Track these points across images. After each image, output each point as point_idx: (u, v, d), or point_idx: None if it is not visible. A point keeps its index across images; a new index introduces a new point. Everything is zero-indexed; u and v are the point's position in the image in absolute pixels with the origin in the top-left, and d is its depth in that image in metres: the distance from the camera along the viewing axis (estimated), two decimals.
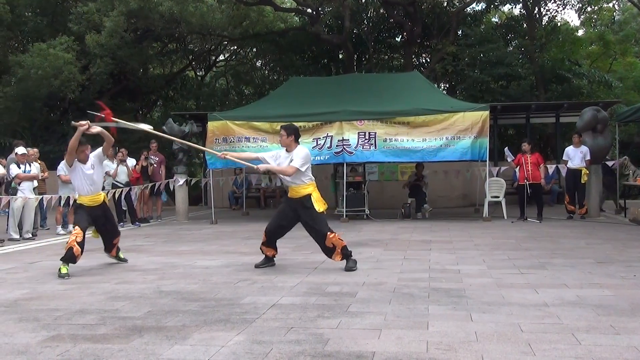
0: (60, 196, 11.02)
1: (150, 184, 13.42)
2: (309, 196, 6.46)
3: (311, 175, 6.61)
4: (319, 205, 6.46)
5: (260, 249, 6.86)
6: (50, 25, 21.54)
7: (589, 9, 25.02)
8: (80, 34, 18.79)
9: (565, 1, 23.22)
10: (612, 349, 3.53)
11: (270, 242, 6.78)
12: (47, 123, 22.26)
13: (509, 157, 12.37)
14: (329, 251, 6.51)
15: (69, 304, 5.03)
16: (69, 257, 6.46)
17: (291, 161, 6.44)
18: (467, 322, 4.20)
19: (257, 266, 6.78)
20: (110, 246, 7.26)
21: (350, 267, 6.44)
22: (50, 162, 14.10)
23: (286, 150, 6.62)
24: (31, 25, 21.65)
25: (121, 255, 7.41)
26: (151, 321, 4.39)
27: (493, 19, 25.86)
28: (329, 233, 6.43)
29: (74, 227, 6.79)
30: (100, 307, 4.87)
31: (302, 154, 6.52)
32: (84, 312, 4.71)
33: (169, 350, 3.68)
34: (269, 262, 6.84)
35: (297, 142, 6.62)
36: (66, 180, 11.39)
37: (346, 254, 6.49)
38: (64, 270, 6.40)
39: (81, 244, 6.57)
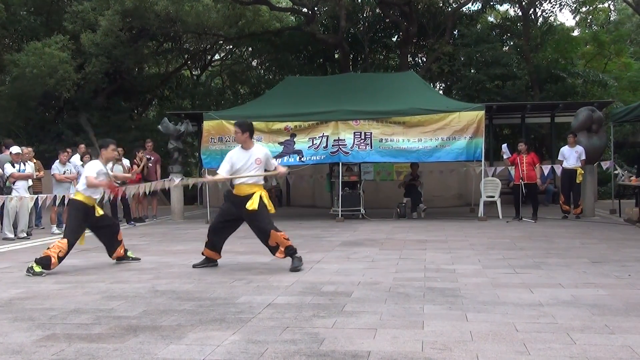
0: (55, 195, 10.99)
1: (145, 184, 13.36)
2: (253, 194, 6.36)
3: None
4: (256, 202, 6.33)
5: (203, 253, 6.81)
6: (45, 24, 21.47)
7: (583, 9, 25.07)
8: (76, 32, 18.73)
9: (560, 2, 23.27)
10: (606, 349, 3.54)
11: (213, 244, 6.71)
12: (42, 122, 22.22)
13: (506, 154, 12.39)
14: (272, 249, 6.46)
15: (63, 303, 5.02)
16: (44, 264, 6.45)
17: (256, 162, 6.39)
18: (462, 321, 4.20)
19: (195, 266, 6.76)
20: (115, 244, 7.14)
21: (296, 266, 6.38)
22: (45, 161, 14.06)
23: (242, 147, 6.55)
24: (26, 23, 21.58)
25: (131, 254, 7.35)
26: (146, 321, 4.38)
27: (489, 18, 25.88)
28: (272, 230, 6.35)
29: (63, 237, 6.73)
30: (95, 307, 4.86)
31: (269, 154, 6.60)
32: (79, 312, 4.69)
33: (164, 349, 3.67)
34: (209, 262, 6.79)
35: (252, 138, 6.58)
36: (61, 180, 11.38)
37: (291, 253, 6.43)
38: (37, 269, 6.40)
39: (61, 259, 6.59)
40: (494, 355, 3.46)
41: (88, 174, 6.79)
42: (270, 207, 6.50)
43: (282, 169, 6.84)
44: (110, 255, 7.18)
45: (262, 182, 6.63)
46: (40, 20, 21.72)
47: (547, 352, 3.49)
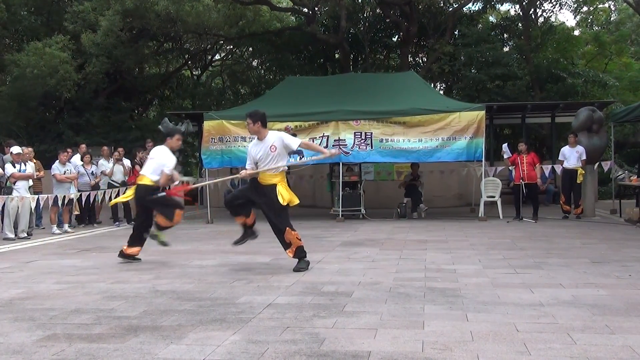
0: (56, 195, 11.00)
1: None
2: (274, 186, 6.26)
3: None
4: (283, 198, 6.21)
5: (238, 222, 6.67)
6: (46, 24, 21.51)
7: (584, 9, 25.06)
8: (76, 33, 18.75)
9: (561, 1, 23.27)
10: (607, 349, 3.53)
11: (237, 212, 6.56)
12: (43, 122, 22.26)
13: (506, 154, 12.38)
14: (285, 245, 6.37)
15: (64, 303, 5.02)
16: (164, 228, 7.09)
17: (270, 150, 6.22)
18: (462, 321, 4.20)
19: (236, 243, 6.72)
20: (142, 240, 7.21)
21: (300, 267, 6.33)
22: (46, 161, 14.06)
23: (257, 138, 6.38)
24: (26, 23, 21.61)
25: None
26: (147, 321, 4.38)
27: (490, 18, 25.87)
28: (288, 228, 6.25)
29: (170, 220, 7.01)
30: (95, 307, 4.86)
31: (285, 136, 6.45)
32: (80, 312, 4.69)
33: (164, 349, 3.67)
34: (247, 235, 6.67)
35: (265, 127, 6.38)
36: (61, 180, 11.39)
37: (300, 256, 6.36)
38: (162, 238, 6.99)
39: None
40: (495, 355, 3.45)
41: (167, 170, 6.92)
42: (294, 198, 6.34)
43: (329, 151, 6.71)
44: (128, 245, 7.19)
45: (285, 169, 6.44)
46: (41, 21, 21.75)
47: (548, 352, 3.49)
